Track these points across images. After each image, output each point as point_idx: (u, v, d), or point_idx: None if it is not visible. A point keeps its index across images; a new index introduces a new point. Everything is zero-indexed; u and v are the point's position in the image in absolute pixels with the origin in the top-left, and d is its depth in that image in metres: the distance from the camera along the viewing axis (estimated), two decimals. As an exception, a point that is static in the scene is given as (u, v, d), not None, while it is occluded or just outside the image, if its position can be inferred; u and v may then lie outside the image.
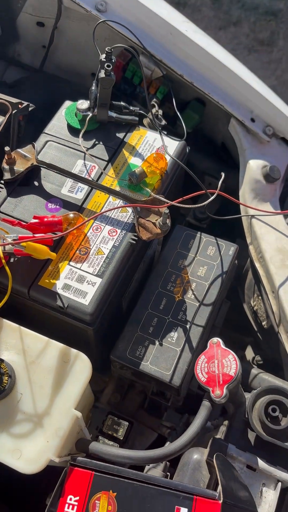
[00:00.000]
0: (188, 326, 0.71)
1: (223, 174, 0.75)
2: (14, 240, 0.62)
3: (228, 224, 0.88)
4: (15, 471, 0.56)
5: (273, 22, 2.61)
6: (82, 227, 0.68)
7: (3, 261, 0.59)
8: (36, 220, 0.65)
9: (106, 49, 0.70)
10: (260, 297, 0.89)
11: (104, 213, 0.70)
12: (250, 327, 0.94)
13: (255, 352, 0.96)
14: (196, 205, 0.70)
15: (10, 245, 0.62)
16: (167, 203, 0.69)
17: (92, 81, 0.77)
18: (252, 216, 0.84)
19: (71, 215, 0.67)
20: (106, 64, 0.70)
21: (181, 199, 0.69)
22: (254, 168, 0.88)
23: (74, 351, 0.60)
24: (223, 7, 2.72)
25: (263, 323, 0.87)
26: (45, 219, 0.66)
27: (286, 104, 1.00)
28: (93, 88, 0.77)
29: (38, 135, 0.79)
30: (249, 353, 0.97)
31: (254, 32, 2.57)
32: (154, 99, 0.88)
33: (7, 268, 0.59)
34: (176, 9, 0.98)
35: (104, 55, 0.70)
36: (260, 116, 0.89)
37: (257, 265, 0.84)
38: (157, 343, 0.69)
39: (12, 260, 0.66)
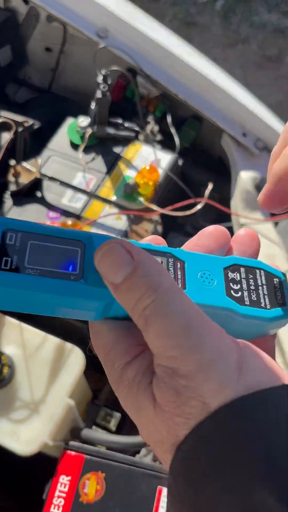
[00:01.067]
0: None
1: (210, 184, 0.80)
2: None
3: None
4: (16, 463, 0.62)
5: (281, 40, 2.68)
6: None
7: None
8: None
9: (102, 72, 0.77)
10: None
11: (100, 221, 0.77)
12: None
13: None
14: (184, 213, 0.76)
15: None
16: (158, 211, 0.75)
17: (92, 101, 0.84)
18: (242, 225, 0.90)
19: (69, 222, 0.74)
20: (102, 85, 0.77)
21: (170, 207, 0.75)
22: (245, 179, 0.93)
23: (69, 345, 0.66)
24: (232, 26, 2.80)
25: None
26: None
27: (281, 119, 1.05)
28: (92, 107, 0.84)
29: (38, 151, 0.86)
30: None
31: (262, 50, 2.64)
32: (151, 117, 0.95)
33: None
34: (186, 28, 1.05)
35: (100, 78, 0.77)
36: (252, 131, 0.95)
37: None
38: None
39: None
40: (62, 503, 0.59)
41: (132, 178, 0.79)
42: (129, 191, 0.79)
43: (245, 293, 0.28)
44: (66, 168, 0.83)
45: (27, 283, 0.25)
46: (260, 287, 0.29)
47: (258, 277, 0.30)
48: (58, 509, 0.58)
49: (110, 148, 0.86)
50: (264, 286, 0.29)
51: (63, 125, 0.89)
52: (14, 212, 0.78)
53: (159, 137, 0.91)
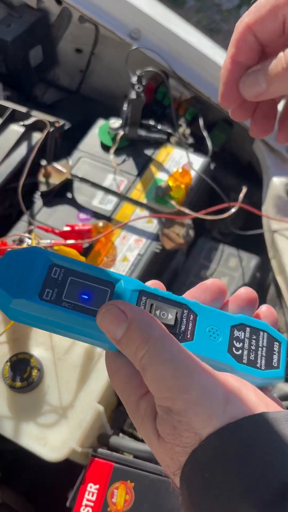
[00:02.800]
0: (208, 333, 0.74)
1: (244, 188, 0.78)
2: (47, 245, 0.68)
3: (251, 241, 0.91)
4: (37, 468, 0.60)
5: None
6: (110, 236, 0.73)
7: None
8: (68, 228, 0.70)
9: (137, 73, 0.76)
10: (281, 310, 0.91)
11: (131, 224, 0.75)
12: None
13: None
14: (218, 217, 0.74)
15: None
16: (191, 215, 0.73)
17: (124, 102, 0.83)
18: (275, 231, 0.88)
19: (100, 224, 0.72)
20: (136, 86, 0.75)
21: (204, 211, 0.73)
22: (277, 185, 0.91)
23: (98, 349, 0.65)
24: (256, 33, 2.78)
25: (284, 335, 0.89)
26: (76, 227, 0.71)
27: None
28: (124, 108, 0.83)
29: (73, 151, 0.86)
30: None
31: (287, 57, 2.61)
32: (182, 119, 0.93)
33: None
34: (209, 35, 1.04)
35: (135, 78, 0.76)
36: (284, 136, 0.93)
37: (279, 278, 0.86)
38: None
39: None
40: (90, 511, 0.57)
41: (164, 181, 0.78)
42: (161, 194, 0.77)
43: (245, 352, 0.32)
44: (97, 170, 0.82)
45: (61, 315, 0.30)
46: (260, 348, 0.32)
47: (260, 338, 0.33)
48: (86, 518, 0.57)
49: (142, 150, 0.84)
50: (264, 348, 0.32)
51: (93, 126, 0.88)
52: (45, 213, 0.77)
53: (190, 140, 0.89)
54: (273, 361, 0.32)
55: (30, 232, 0.71)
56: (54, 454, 0.59)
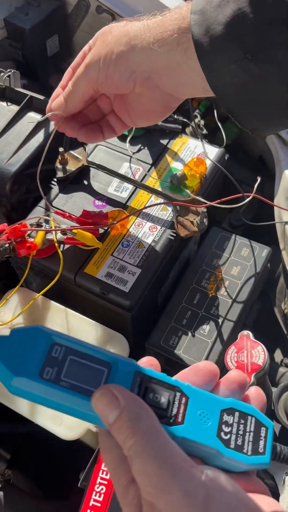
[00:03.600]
0: (220, 321, 0.75)
1: (259, 178, 0.79)
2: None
3: (261, 233, 0.92)
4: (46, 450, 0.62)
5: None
6: (125, 223, 0.74)
7: (57, 245, 0.65)
8: (85, 214, 0.71)
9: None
10: (290, 302, 0.92)
11: (146, 211, 0.76)
12: (280, 331, 0.97)
13: (283, 355, 0.98)
14: (233, 206, 0.75)
15: (61, 234, 0.69)
16: (206, 203, 0.74)
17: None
18: (286, 223, 0.88)
19: (116, 211, 0.73)
20: (155, 75, 0.76)
21: (219, 200, 0.74)
22: (289, 178, 0.92)
23: (113, 332, 0.66)
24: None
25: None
26: (93, 213, 0.72)
27: None
28: (141, 98, 0.84)
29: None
30: (278, 355, 0.99)
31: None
32: (197, 111, 0.94)
33: (60, 252, 0.66)
34: None
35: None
36: (297, 130, 0.94)
37: (289, 270, 0.87)
38: (189, 334, 0.74)
39: (61, 248, 0.72)
40: (104, 490, 0.58)
41: (180, 170, 0.79)
42: (176, 183, 0.78)
43: (233, 437, 0.33)
44: (113, 158, 0.83)
45: (59, 394, 0.32)
46: (247, 433, 0.33)
47: (248, 423, 0.34)
48: (99, 496, 0.58)
49: (157, 140, 0.85)
50: (251, 433, 0.33)
51: (110, 115, 0.89)
52: (61, 199, 0.78)
53: (204, 131, 0.90)
54: (259, 447, 0.33)
55: (47, 216, 0.72)
56: (69, 433, 0.60)
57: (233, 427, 0.33)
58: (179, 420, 0.33)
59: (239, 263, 0.81)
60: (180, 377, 0.35)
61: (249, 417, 0.34)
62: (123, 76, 0.56)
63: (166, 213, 0.77)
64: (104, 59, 0.55)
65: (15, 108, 0.87)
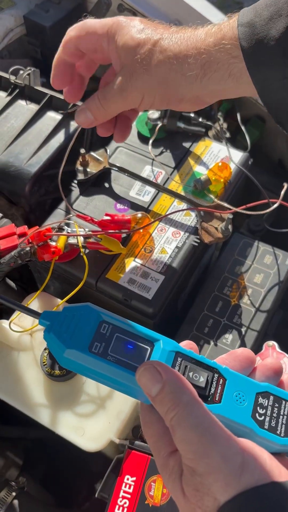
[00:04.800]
0: (243, 330, 0.73)
1: (285, 185, 0.77)
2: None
3: (281, 239, 0.90)
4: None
5: None
6: (148, 227, 0.72)
7: (82, 250, 0.63)
8: (108, 218, 0.70)
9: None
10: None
11: (169, 216, 0.74)
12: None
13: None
14: (261, 212, 0.73)
15: (83, 239, 0.67)
16: (231, 209, 0.72)
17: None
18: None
19: (139, 215, 0.71)
20: (181, 77, 0.74)
21: (244, 206, 0.72)
22: (312, 183, 0.90)
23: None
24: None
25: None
26: (116, 217, 0.70)
27: None
28: (164, 99, 0.82)
29: (106, 142, 0.85)
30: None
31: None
32: (219, 113, 0.92)
33: (85, 257, 0.64)
34: None
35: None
36: None
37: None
38: (212, 343, 0.72)
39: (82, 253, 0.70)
40: (127, 504, 0.57)
41: (204, 174, 0.77)
42: (200, 187, 0.76)
43: (267, 419, 0.35)
44: (134, 160, 0.81)
45: (105, 367, 0.35)
46: (281, 416, 0.35)
47: (282, 407, 0.35)
48: (122, 510, 0.56)
49: (180, 143, 0.83)
50: (285, 416, 0.35)
51: (131, 116, 0.87)
52: (82, 202, 0.76)
53: (228, 134, 0.88)
54: None
55: (69, 219, 0.70)
56: (92, 444, 0.58)
57: (267, 409, 0.35)
58: (217, 399, 0.34)
59: (262, 271, 0.79)
60: (218, 361, 0.37)
61: (284, 402, 0.36)
62: (166, 101, 0.56)
63: (190, 218, 0.75)
64: (151, 89, 0.55)
65: (34, 107, 0.85)
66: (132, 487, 0.57)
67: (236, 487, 0.29)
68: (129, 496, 0.57)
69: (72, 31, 0.60)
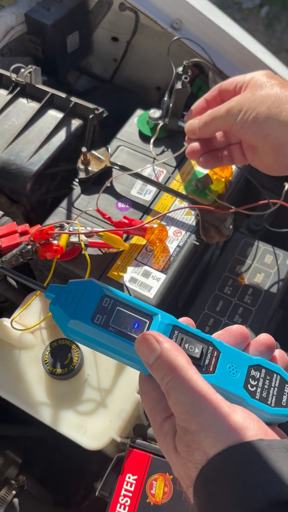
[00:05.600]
0: (243, 329, 0.73)
1: (286, 185, 0.78)
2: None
3: (280, 239, 0.91)
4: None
5: None
6: (165, 238, 0.71)
7: (84, 248, 0.63)
8: (126, 221, 0.69)
9: (184, 62, 0.75)
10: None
11: (170, 215, 0.74)
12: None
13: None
14: (261, 213, 0.73)
15: (84, 238, 0.67)
16: (232, 208, 0.72)
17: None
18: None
19: (155, 226, 0.70)
20: (183, 76, 0.74)
21: (246, 206, 0.72)
22: (312, 184, 0.90)
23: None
24: (276, 34, 2.78)
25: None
26: (133, 222, 0.69)
27: None
28: (165, 98, 0.82)
29: (106, 140, 0.85)
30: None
31: (306, 59, 2.60)
32: (220, 113, 0.92)
33: (87, 255, 0.64)
34: None
35: (181, 68, 0.75)
36: None
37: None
38: (212, 342, 0.72)
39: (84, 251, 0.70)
40: (129, 502, 0.57)
41: (205, 174, 0.77)
42: (201, 186, 0.76)
43: (258, 390, 0.36)
44: (135, 159, 0.81)
45: (107, 337, 0.37)
46: (272, 388, 0.37)
47: (273, 379, 0.37)
48: (124, 509, 0.56)
49: (181, 142, 0.83)
50: (276, 388, 0.37)
51: (132, 116, 0.87)
52: (83, 200, 0.76)
53: (228, 134, 0.88)
54: (283, 400, 0.37)
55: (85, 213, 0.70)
56: (93, 443, 0.58)
57: (259, 381, 0.37)
58: (211, 370, 0.36)
59: (263, 270, 0.79)
60: (214, 337, 0.39)
61: (275, 375, 0.37)
62: (256, 135, 0.59)
63: (191, 217, 0.75)
64: (245, 112, 0.59)
65: (35, 106, 0.85)
66: (133, 485, 0.57)
67: (225, 442, 0.31)
68: (130, 494, 0.57)
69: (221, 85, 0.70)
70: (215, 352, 0.37)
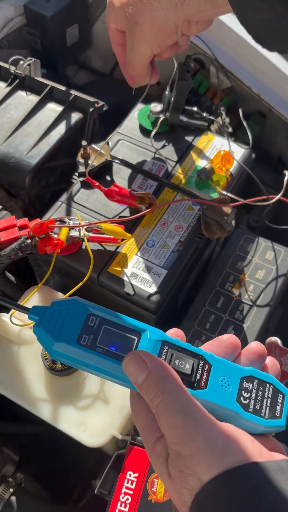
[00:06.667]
0: (244, 325, 0.73)
1: (286, 172, 0.77)
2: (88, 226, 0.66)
3: (280, 236, 0.90)
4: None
5: None
6: (154, 210, 0.71)
7: (87, 243, 0.62)
8: (116, 189, 0.69)
9: (186, 55, 0.74)
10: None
11: (171, 210, 0.74)
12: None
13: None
14: (264, 203, 0.73)
15: (85, 232, 0.66)
16: (234, 202, 0.72)
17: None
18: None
19: (144, 208, 0.70)
20: (186, 69, 0.73)
21: (248, 200, 0.72)
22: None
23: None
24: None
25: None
26: (122, 190, 0.70)
27: None
28: (167, 92, 0.81)
29: (106, 134, 0.83)
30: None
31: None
32: (222, 108, 0.92)
33: (89, 249, 0.63)
34: None
35: (183, 61, 0.74)
36: None
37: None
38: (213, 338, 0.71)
39: (84, 246, 0.69)
40: (129, 500, 0.56)
41: (208, 164, 0.76)
42: (204, 177, 0.75)
43: (251, 402, 0.36)
44: (136, 153, 0.80)
45: (94, 358, 0.36)
46: (265, 399, 0.36)
47: (266, 390, 0.36)
48: (125, 507, 0.55)
49: (182, 136, 0.82)
50: (269, 399, 0.36)
51: (133, 110, 0.86)
52: (83, 195, 0.75)
53: (230, 129, 0.88)
54: (276, 411, 0.36)
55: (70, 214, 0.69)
56: (94, 440, 0.58)
57: (252, 393, 0.36)
58: (202, 385, 0.36)
59: (264, 267, 0.78)
60: (204, 348, 0.38)
61: (268, 385, 0.37)
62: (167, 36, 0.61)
63: (192, 212, 0.74)
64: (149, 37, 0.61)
65: (35, 98, 0.83)
66: (134, 483, 0.57)
67: (218, 467, 0.31)
68: (131, 492, 0.56)
69: None
70: (206, 365, 0.36)
